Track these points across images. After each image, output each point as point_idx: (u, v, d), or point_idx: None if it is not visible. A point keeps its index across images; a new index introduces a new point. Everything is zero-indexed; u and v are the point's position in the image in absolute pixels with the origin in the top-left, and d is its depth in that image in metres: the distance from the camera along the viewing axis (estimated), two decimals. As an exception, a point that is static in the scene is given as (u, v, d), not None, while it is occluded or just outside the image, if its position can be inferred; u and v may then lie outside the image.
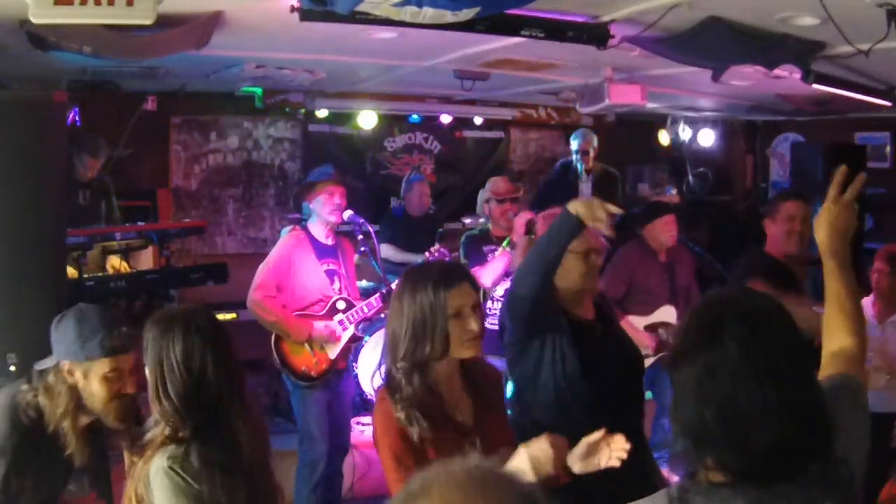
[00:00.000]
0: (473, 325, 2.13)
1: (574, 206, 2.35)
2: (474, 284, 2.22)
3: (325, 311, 4.15)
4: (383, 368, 2.22)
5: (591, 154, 6.27)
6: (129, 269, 4.14)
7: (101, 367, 2.25)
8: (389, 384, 2.16)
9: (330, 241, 4.21)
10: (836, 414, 1.37)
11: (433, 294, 2.10)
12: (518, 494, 0.90)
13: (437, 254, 4.57)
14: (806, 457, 1.31)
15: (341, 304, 4.18)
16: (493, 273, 4.30)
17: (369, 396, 5.38)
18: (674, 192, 5.88)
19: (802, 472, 1.31)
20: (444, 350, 2.12)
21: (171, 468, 1.93)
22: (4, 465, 2.23)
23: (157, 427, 2.03)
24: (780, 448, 1.30)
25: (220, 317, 5.78)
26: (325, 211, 4.12)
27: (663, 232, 4.69)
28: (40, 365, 2.35)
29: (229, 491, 1.96)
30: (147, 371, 2.07)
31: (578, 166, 6.31)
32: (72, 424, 2.27)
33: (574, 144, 6.32)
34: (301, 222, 4.32)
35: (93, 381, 2.26)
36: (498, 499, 0.88)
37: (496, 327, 4.21)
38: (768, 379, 1.31)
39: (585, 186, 6.42)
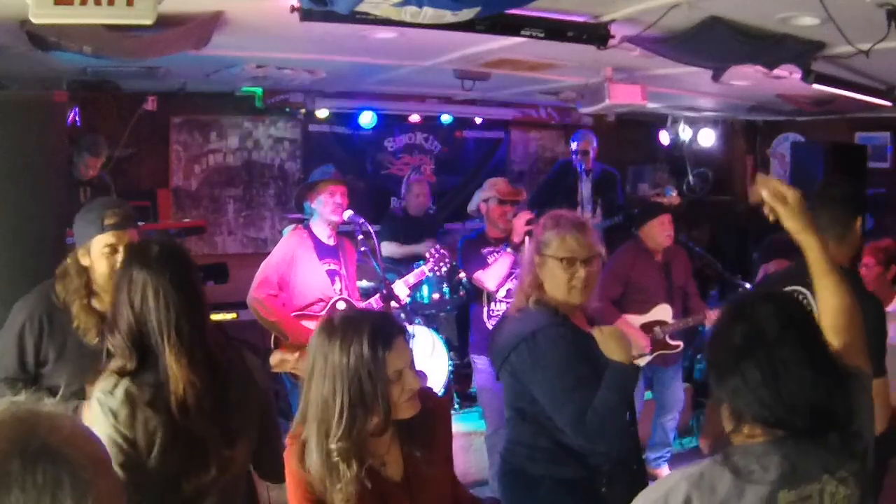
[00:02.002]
0: (414, 383, 1.85)
1: (616, 354, 2.28)
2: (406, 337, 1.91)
3: (324, 312, 4.14)
4: (310, 441, 1.84)
5: (591, 154, 6.29)
6: (129, 269, 4.14)
7: (100, 242, 2.48)
8: (323, 463, 1.81)
9: (332, 241, 4.21)
10: (852, 394, 1.55)
11: (371, 357, 1.78)
12: None
13: (437, 254, 4.57)
14: (831, 422, 1.48)
15: (341, 305, 4.17)
16: (496, 276, 4.30)
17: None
18: (674, 193, 5.88)
19: (826, 435, 1.48)
20: (387, 421, 1.83)
21: (97, 399, 1.94)
22: (22, 319, 2.50)
23: (111, 359, 2.04)
24: (813, 406, 1.47)
25: (220, 317, 5.84)
26: (327, 210, 4.11)
27: (659, 232, 4.69)
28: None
29: (147, 429, 1.91)
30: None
31: (578, 167, 6.32)
32: (81, 303, 2.49)
33: (574, 145, 6.34)
34: (303, 222, 4.32)
35: (96, 259, 2.50)
36: None
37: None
38: (805, 345, 1.51)
39: (585, 187, 6.43)
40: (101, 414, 1.92)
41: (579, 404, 2.32)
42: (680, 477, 1.55)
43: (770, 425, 1.49)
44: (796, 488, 1.48)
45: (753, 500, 1.47)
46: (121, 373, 1.96)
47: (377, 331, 1.81)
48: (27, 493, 0.89)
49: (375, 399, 1.79)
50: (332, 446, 1.78)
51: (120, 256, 2.41)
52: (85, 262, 2.54)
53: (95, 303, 2.55)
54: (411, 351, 1.90)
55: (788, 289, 2.68)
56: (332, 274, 4.18)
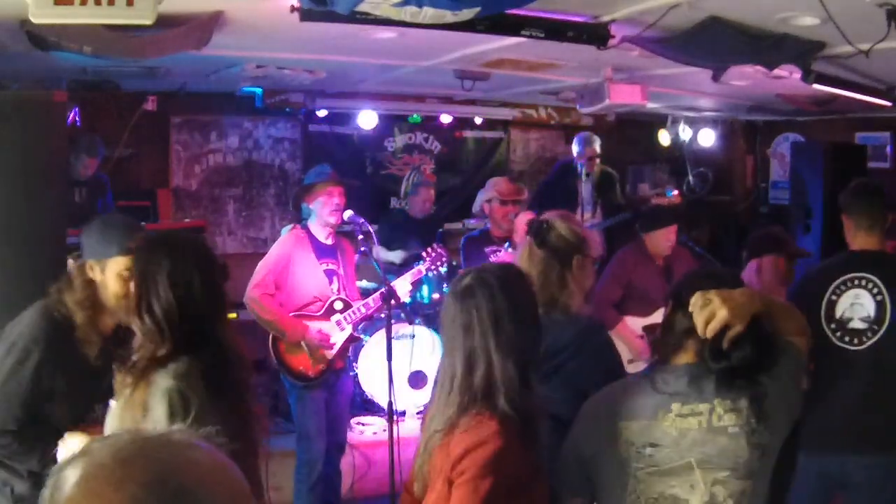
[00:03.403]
0: None
1: None
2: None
3: (322, 311, 4.15)
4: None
5: (596, 160, 6.31)
6: (129, 269, 4.14)
7: (119, 264, 2.43)
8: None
9: (330, 241, 4.21)
10: (779, 361, 1.92)
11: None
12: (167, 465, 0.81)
13: (434, 253, 4.56)
14: (745, 367, 1.87)
15: (339, 305, 4.18)
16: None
17: (370, 396, 5.38)
18: (675, 192, 5.86)
19: (732, 377, 1.88)
20: None
21: (174, 387, 1.93)
22: (38, 354, 2.39)
23: (142, 348, 2.05)
24: (740, 350, 1.86)
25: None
26: (326, 212, 4.11)
27: (663, 241, 4.68)
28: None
29: (222, 407, 1.94)
30: (132, 286, 2.12)
31: (579, 166, 6.32)
32: (85, 315, 2.45)
33: (577, 148, 6.32)
34: (301, 221, 4.32)
35: (109, 277, 2.46)
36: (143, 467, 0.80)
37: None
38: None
39: (585, 187, 6.43)
40: (178, 402, 1.90)
41: None
42: (611, 384, 2.09)
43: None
44: (687, 403, 1.91)
45: (652, 404, 1.93)
46: (168, 357, 1.98)
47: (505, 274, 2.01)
48: None
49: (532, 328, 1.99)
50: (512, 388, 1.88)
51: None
52: (93, 276, 2.48)
53: (99, 319, 2.50)
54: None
55: (854, 276, 2.99)
56: (329, 274, 4.18)
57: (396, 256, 5.75)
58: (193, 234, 2.24)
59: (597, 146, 6.28)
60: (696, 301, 1.86)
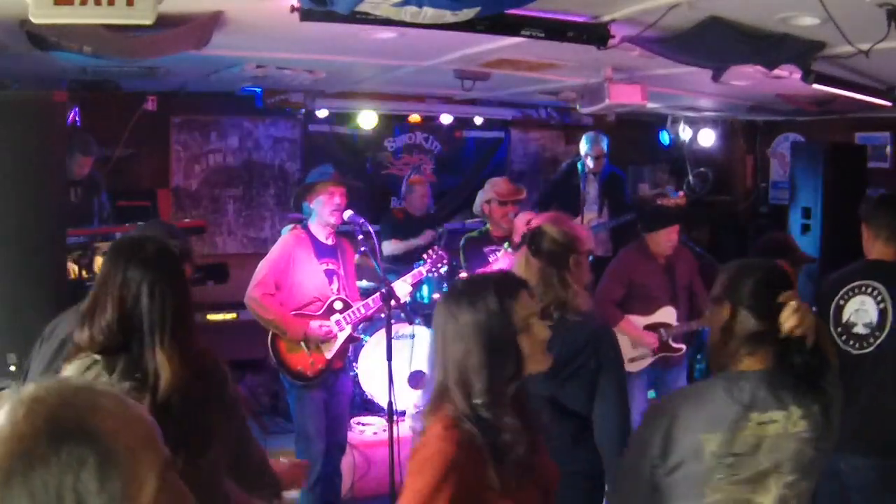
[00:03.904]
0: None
1: None
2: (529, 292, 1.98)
3: (322, 311, 4.15)
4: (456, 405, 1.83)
5: (603, 159, 6.33)
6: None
7: None
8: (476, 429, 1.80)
9: (330, 242, 4.22)
10: (831, 369, 2.01)
11: (498, 307, 1.85)
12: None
13: (434, 255, 4.57)
14: (817, 374, 1.96)
15: (338, 305, 4.18)
16: (496, 275, 4.29)
17: (370, 396, 5.38)
18: (680, 194, 5.82)
19: (808, 384, 1.96)
20: (520, 372, 1.87)
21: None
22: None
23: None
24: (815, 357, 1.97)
25: (220, 317, 5.83)
26: (326, 212, 4.12)
27: (665, 241, 4.67)
28: None
29: None
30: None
31: (586, 164, 6.33)
32: None
33: (585, 147, 6.34)
34: (302, 221, 4.32)
35: None
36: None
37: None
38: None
39: (592, 188, 6.44)
40: None
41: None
42: (677, 393, 2.08)
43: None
44: (766, 411, 1.93)
45: (732, 415, 1.92)
46: (92, 353, 1.94)
47: (500, 284, 1.90)
48: (50, 470, 0.90)
49: (509, 347, 1.83)
50: (477, 401, 1.80)
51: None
52: None
53: None
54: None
55: (861, 283, 3.10)
56: (329, 274, 4.19)
57: (401, 247, 5.78)
58: (153, 239, 2.13)
59: (604, 145, 6.31)
60: (791, 306, 1.93)
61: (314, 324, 4.09)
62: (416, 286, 5.07)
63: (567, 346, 2.53)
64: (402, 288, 4.40)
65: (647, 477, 2.00)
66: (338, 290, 4.20)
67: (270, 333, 4.10)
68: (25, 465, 0.90)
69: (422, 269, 4.54)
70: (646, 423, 2.07)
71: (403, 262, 5.64)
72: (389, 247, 5.97)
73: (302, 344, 4.08)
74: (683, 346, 4.80)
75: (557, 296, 2.63)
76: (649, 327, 4.69)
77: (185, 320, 2.01)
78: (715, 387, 1.99)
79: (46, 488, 0.89)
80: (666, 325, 4.69)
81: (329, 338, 4.12)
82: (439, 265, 4.57)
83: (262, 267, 4.11)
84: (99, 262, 4.11)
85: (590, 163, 6.29)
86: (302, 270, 4.12)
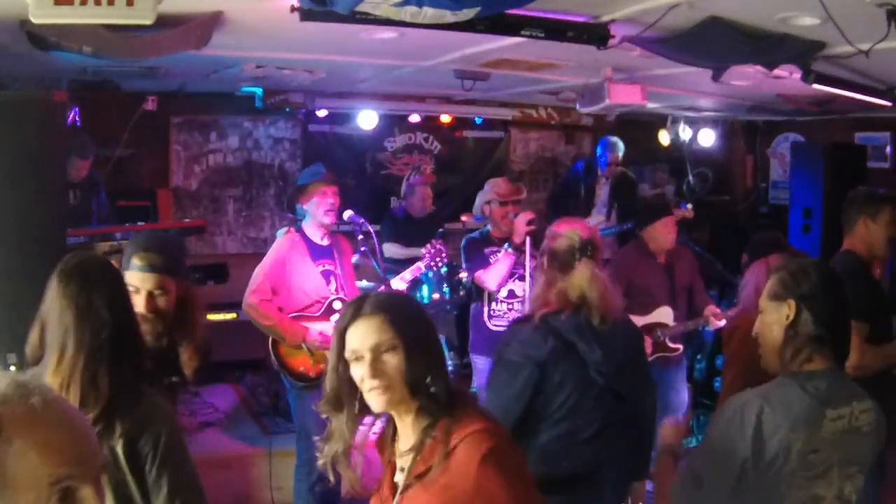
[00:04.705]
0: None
1: None
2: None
3: (321, 312, 4.14)
4: None
5: (616, 167, 6.36)
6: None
7: (128, 279, 2.38)
8: None
9: (325, 242, 4.20)
10: None
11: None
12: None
13: (433, 249, 4.55)
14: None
15: (338, 305, 4.17)
16: (496, 275, 4.29)
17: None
18: (688, 206, 5.74)
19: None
20: None
21: None
22: None
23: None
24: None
25: (220, 317, 5.81)
26: (321, 212, 4.10)
27: (662, 234, 4.64)
28: None
29: None
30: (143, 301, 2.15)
31: (602, 169, 6.35)
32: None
33: (600, 151, 6.40)
34: (296, 223, 4.31)
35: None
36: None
37: (501, 329, 4.21)
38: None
39: (603, 190, 6.44)
40: None
41: None
42: (752, 394, 2.01)
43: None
44: (837, 408, 1.99)
45: (812, 412, 1.97)
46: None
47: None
48: None
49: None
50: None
51: (140, 299, 2.37)
52: None
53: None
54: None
55: None
56: (326, 274, 4.17)
57: (402, 253, 5.78)
58: (81, 256, 2.09)
59: (620, 154, 6.32)
60: None
61: (313, 332, 4.05)
62: (414, 281, 5.06)
63: (623, 342, 2.81)
64: (400, 284, 4.40)
65: (738, 473, 1.99)
66: (336, 289, 4.19)
67: (270, 337, 4.10)
68: None
69: (420, 265, 4.54)
70: (729, 421, 2.02)
71: (403, 264, 5.64)
72: (390, 249, 5.96)
73: (303, 346, 4.07)
74: (680, 346, 4.80)
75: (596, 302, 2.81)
76: (646, 328, 4.67)
77: (111, 347, 1.95)
78: (790, 387, 2.02)
79: None
80: (662, 326, 4.69)
81: (327, 346, 4.10)
82: (438, 259, 4.55)
83: (258, 273, 4.09)
84: (114, 262, 4.12)
85: (602, 167, 6.31)
86: (298, 273, 4.10)
